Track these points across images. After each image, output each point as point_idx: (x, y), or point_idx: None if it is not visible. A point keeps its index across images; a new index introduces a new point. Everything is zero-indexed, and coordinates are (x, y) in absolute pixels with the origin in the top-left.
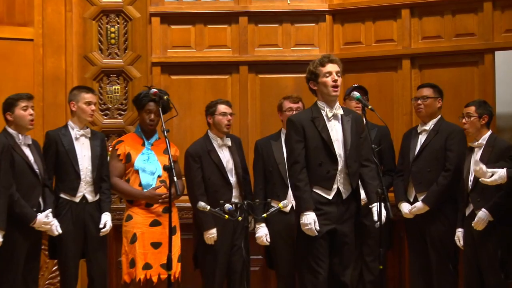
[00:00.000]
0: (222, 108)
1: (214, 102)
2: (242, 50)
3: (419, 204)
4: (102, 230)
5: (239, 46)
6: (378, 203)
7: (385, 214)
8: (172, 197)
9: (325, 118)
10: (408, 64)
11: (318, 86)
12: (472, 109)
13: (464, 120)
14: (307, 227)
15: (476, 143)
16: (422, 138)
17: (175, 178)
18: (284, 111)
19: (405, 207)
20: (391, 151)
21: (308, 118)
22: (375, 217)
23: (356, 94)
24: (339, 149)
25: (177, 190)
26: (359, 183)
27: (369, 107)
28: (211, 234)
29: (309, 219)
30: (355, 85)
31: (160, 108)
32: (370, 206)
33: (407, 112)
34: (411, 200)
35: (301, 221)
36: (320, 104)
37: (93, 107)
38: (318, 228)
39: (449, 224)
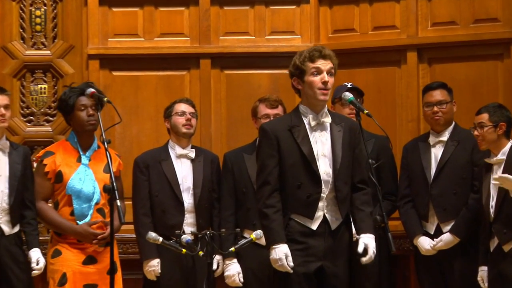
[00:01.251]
0: (179, 107)
1: (170, 104)
2: (203, 39)
3: (446, 237)
4: (35, 267)
5: (199, 34)
6: (373, 235)
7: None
8: (114, 228)
9: (307, 127)
10: (414, 57)
11: (303, 85)
12: (484, 117)
13: (476, 132)
14: (278, 264)
15: (494, 158)
16: (438, 152)
17: (118, 203)
18: (259, 117)
19: (425, 243)
20: (392, 168)
21: (285, 127)
22: (361, 249)
23: (348, 95)
24: (325, 166)
25: (121, 218)
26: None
27: (365, 112)
28: (152, 267)
29: (279, 253)
30: (347, 84)
31: (99, 113)
32: (357, 236)
33: (413, 118)
34: (432, 232)
35: (270, 257)
36: (302, 109)
37: (2, 111)
38: (291, 263)
39: (476, 260)
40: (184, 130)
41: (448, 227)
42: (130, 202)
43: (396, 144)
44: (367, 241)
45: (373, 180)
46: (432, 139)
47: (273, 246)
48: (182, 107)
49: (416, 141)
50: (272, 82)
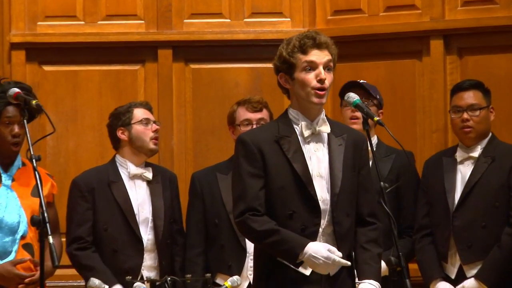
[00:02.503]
0: (142, 113)
1: (125, 107)
2: (162, 22)
3: (471, 284)
4: None
5: (157, 16)
6: (377, 283)
7: None
8: (46, 272)
9: (299, 138)
10: (440, 46)
11: (292, 84)
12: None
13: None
14: (325, 261)
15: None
16: (466, 171)
17: (50, 239)
18: (237, 124)
19: None
20: (416, 194)
21: (271, 138)
22: None
23: (352, 97)
24: (321, 190)
25: (54, 260)
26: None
27: (375, 118)
28: None
29: (319, 252)
30: (360, 82)
31: (25, 120)
32: (357, 282)
33: (439, 128)
34: (453, 276)
35: (311, 268)
36: (293, 114)
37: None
38: (340, 253)
39: None
40: (152, 145)
41: (474, 271)
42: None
43: (417, 161)
44: None
45: (385, 209)
46: (460, 154)
47: (305, 252)
48: (145, 113)
49: (440, 156)
50: (254, 79)
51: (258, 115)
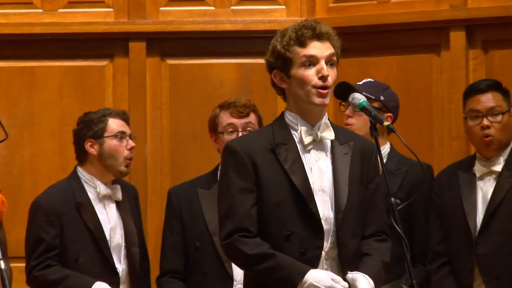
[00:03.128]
0: (116, 125)
1: (98, 114)
2: (134, 11)
3: None
4: None
5: (128, 3)
6: (372, 282)
7: None
8: None
9: (298, 146)
10: (461, 38)
11: (289, 83)
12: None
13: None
14: None
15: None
16: (487, 188)
17: (2, 264)
18: (220, 132)
19: None
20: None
21: (265, 146)
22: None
23: (358, 98)
24: (324, 207)
25: (6, 287)
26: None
27: (385, 123)
28: None
29: (322, 281)
30: (370, 81)
31: None
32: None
33: (460, 135)
34: None
35: None
36: (291, 118)
37: None
38: (346, 284)
39: None
40: (123, 167)
41: None
42: (22, 264)
43: (434, 172)
44: (356, 278)
45: (397, 229)
46: (479, 168)
47: (304, 280)
48: (121, 125)
49: (454, 170)
50: (242, 76)
51: (243, 121)
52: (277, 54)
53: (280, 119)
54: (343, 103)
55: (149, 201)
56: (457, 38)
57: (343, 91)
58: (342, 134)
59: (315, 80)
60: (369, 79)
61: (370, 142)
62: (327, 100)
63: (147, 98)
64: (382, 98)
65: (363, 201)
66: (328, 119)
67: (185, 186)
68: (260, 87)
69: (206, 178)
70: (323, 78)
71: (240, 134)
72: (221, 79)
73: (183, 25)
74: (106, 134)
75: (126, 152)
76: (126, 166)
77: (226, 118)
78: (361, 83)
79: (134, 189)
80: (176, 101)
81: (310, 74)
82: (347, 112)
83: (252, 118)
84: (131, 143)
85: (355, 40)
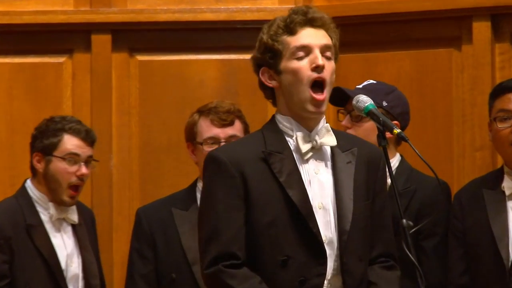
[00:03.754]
0: (72, 144)
1: (57, 124)
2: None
3: None
4: None
5: None
6: None
7: None
8: None
9: (295, 155)
10: (486, 30)
11: (279, 80)
12: None
13: None
14: None
15: None
16: None
17: None
18: (199, 143)
19: None
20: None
21: (256, 155)
22: None
23: (364, 101)
24: (325, 227)
25: None
26: None
27: (396, 130)
28: None
29: None
30: (373, 82)
31: None
32: None
33: (485, 144)
34: None
35: None
36: (284, 122)
37: None
38: None
39: None
40: (65, 197)
41: None
42: None
43: (454, 190)
44: None
45: (409, 256)
46: (508, 185)
47: None
48: (78, 146)
49: (477, 187)
50: (226, 75)
51: (228, 131)
52: (264, 46)
53: (271, 124)
54: (341, 110)
55: (115, 223)
56: (481, 29)
57: (340, 97)
58: (344, 139)
59: (309, 73)
60: (371, 81)
61: (377, 148)
62: (323, 108)
63: (113, 101)
64: (385, 103)
65: (369, 218)
66: (326, 124)
67: (158, 206)
68: (247, 88)
69: (183, 196)
70: (318, 68)
71: (222, 144)
72: (201, 79)
73: (156, 15)
74: (55, 153)
75: (72, 179)
76: (70, 197)
77: (206, 127)
78: (361, 86)
79: (90, 212)
80: (148, 105)
81: (302, 65)
82: (344, 122)
83: (237, 127)
84: (83, 170)
85: (359, 32)
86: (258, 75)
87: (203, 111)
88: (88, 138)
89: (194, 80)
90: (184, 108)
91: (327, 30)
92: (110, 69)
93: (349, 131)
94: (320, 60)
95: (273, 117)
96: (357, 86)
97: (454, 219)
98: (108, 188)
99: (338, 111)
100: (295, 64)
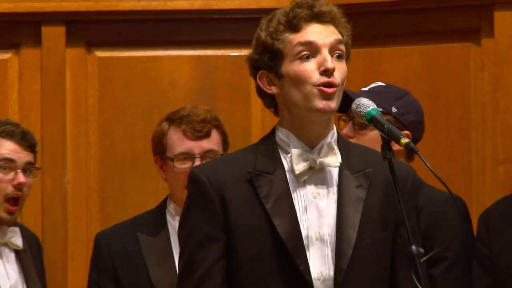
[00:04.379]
0: (4, 148)
1: None
2: None
3: None
4: None
5: None
6: None
7: None
8: None
9: (288, 176)
10: (510, 19)
11: (280, 85)
12: None
13: None
14: None
15: None
16: None
17: None
18: (169, 157)
19: None
20: (469, 265)
21: (242, 175)
22: None
23: (365, 105)
24: (323, 264)
25: None
26: None
27: (404, 140)
28: None
29: None
30: (382, 84)
31: None
32: None
33: (509, 157)
34: None
35: None
36: (282, 136)
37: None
38: None
39: None
40: (2, 213)
41: None
42: None
43: (473, 210)
44: None
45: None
46: None
47: None
48: (13, 151)
49: (507, 206)
50: (202, 74)
51: (203, 145)
52: (262, 46)
53: (269, 138)
54: (343, 116)
55: (70, 251)
56: (505, 20)
57: (342, 101)
58: (359, 157)
59: (316, 77)
60: (379, 83)
61: (405, 167)
62: (333, 104)
63: (67, 105)
64: (394, 110)
65: (386, 254)
66: (338, 137)
67: (120, 231)
68: (227, 89)
69: (150, 219)
70: (327, 72)
71: (198, 162)
72: (172, 79)
73: (118, 2)
74: None
75: (8, 189)
76: (8, 212)
77: (177, 140)
78: (366, 89)
79: (35, 237)
80: (109, 110)
81: (309, 68)
82: (346, 131)
83: (214, 139)
84: (20, 178)
85: (359, 23)
86: (255, 79)
87: (173, 120)
88: (25, 141)
89: (164, 80)
90: (152, 113)
91: (337, 26)
92: (63, 67)
93: (351, 141)
94: (330, 63)
95: (273, 128)
96: (362, 89)
97: (479, 244)
98: (61, 209)
99: (339, 118)
100: (299, 66)
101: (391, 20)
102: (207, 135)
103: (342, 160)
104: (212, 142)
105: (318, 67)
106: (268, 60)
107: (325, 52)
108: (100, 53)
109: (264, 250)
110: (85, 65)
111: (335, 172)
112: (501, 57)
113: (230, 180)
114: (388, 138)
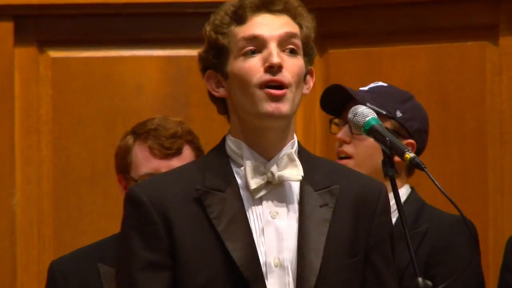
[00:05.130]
0: None
1: None
2: None
3: None
4: None
5: None
6: None
7: None
8: None
9: (242, 193)
10: None
11: (228, 85)
12: None
13: None
14: None
15: None
16: None
17: None
18: (133, 178)
19: None
20: None
21: (188, 193)
22: None
23: (364, 113)
24: None
25: None
26: None
27: (408, 155)
28: None
29: None
30: (383, 84)
31: None
32: None
33: None
34: None
35: None
36: (233, 146)
37: None
38: None
39: None
40: None
41: None
42: None
43: (489, 235)
44: None
45: None
46: None
47: None
48: None
49: None
50: (172, 79)
51: (173, 164)
52: (208, 42)
53: (219, 149)
54: (335, 120)
55: (20, 283)
56: None
57: (337, 100)
58: (323, 171)
59: (260, 75)
60: (380, 83)
61: (376, 184)
62: (285, 107)
63: (16, 113)
64: (399, 114)
65: (358, 283)
66: (299, 147)
67: (78, 259)
68: (202, 95)
69: (112, 246)
70: (272, 69)
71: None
72: (138, 83)
73: None
74: None
75: None
76: None
77: (143, 158)
78: (366, 88)
79: None
80: (64, 120)
81: (252, 65)
82: (341, 135)
83: (186, 156)
84: None
85: (358, 19)
86: (206, 81)
87: (139, 134)
88: None
89: (129, 85)
90: (114, 124)
91: (293, 17)
92: (12, 69)
93: (346, 147)
94: (276, 57)
95: (223, 139)
96: (361, 88)
97: (507, 272)
98: (9, 234)
99: (330, 121)
100: (242, 63)
101: (393, 15)
102: (177, 152)
103: (304, 174)
104: (184, 161)
105: (263, 63)
106: (213, 58)
107: (272, 46)
108: (54, 53)
109: (216, 279)
110: (36, 67)
111: (295, 188)
112: None
113: (174, 199)
114: (390, 153)
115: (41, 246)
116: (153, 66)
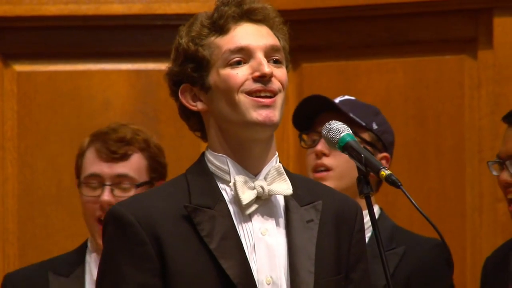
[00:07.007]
0: None
1: None
2: None
3: None
4: None
5: None
6: None
7: None
8: None
9: (232, 209)
10: (510, 27)
11: (208, 99)
12: None
13: None
14: None
15: None
16: None
17: None
18: (83, 182)
19: None
20: None
21: (176, 211)
22: None
23: (338, 129)
24: None
25: None
26: None
27: (384, 172)
28: None
29: None
30: (350, 98)
31: None
32: None
33: None
34: None
35: None
36: (217, 162)
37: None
38: None
39: None
40: None
41: None
42: None
43: (467, 255)
44: None
45: None
46: None
47: None
48: None
49: (503, 255)
50: (141, 93)
51: (116, 168)
52: (184, 55)
53: (199, 166)
54: (303, 135)
55: None
56: (506, 27)
57: (310, 111)
58: (304, 187)
59: (248, 83)
60: (347, 97)
61: (352, 201)
62: (275, 115)
63: None
64: (375, 126)
65: None
66: (280, 162)
67: (32, 270)
68: (172, 111)
69: (68, 257)
70: (264, 78)
71: (107, 191)
72: (106, 98)
73: (41, 6)
74: None
75: None
76: None
77: (90, 159)
78: (337, 100)
79: None
80: (30, 136)
81: (240, 73)
82: (320, 147)
83: (133, 163)
84: None
85: (333, 32)
86: (176, 98)
87: (96, 135)
88: None
89: (96, 100)
90: (81, 140)
91: (271, 27)
92: None
93: (326, 159)
94: (267, 67)
95: (202, 155)
96: (335, 100)
97: None
98: None
99: (299, 136)
100: (228, 72)
101: (370, 27)
102: (123, 157)
103: (290, 188)
104: (130, 167)
105: (252, 72)
106: (192, 71)
107: (259, 55)
108: (19, 67)
109: None
110: (1, 81)
111: (281, 203)
112: (501, 72)
113: (162, 217)
114: (366, 170)
115: (5, 266)
116: (121, 80)
